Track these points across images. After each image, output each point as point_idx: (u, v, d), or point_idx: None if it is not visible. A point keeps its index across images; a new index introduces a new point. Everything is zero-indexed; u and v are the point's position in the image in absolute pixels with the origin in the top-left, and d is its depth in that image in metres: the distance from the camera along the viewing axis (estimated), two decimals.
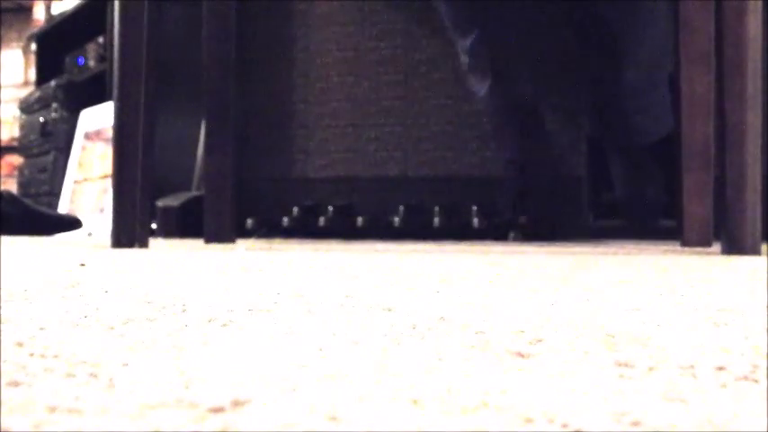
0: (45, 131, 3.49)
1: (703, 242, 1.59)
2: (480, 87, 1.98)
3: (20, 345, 0.38)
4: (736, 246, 1.27)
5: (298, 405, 0.27)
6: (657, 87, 1.83)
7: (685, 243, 1.61)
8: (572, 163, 2.06)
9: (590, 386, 0.30)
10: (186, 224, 2.30)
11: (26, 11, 6.06)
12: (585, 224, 2.07)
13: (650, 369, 0.34)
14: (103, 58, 3.19)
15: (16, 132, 4.35)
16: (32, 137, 3.63)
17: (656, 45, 1.82)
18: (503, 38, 1.98)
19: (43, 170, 3.49)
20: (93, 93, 3.19)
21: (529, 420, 0.25)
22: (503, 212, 2.00)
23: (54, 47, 3.78)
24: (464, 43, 1.96)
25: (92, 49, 3.37)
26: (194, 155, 2.64)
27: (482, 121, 2.12)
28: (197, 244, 1.75)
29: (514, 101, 1.98)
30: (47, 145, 3.48)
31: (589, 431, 0.24)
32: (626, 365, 0.34)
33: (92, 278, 0.78)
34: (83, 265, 0.98)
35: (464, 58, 1.98)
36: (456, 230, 2.04)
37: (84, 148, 3.14)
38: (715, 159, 1.45)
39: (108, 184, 2.64)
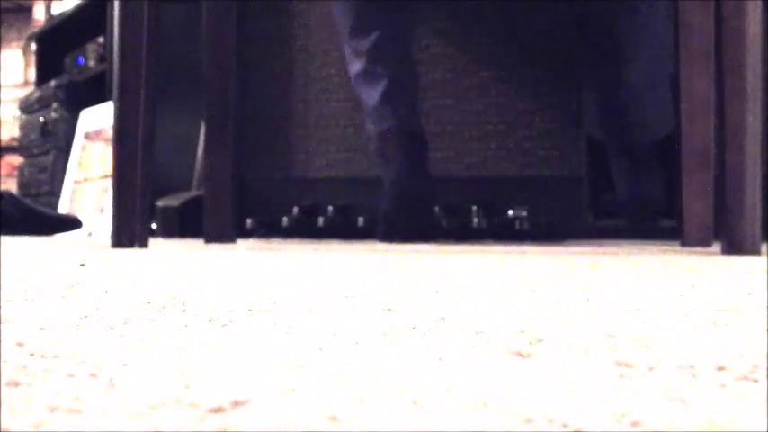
0: (45, 131, 3.49)
1: (703, 242, 1.59)
2: (370, 95, 1.89)
3: (20, 345, 0.38)
4: (736, 246, 1.27)
5: (298, 405, 0.27)
6: (657, 87, 1.83)
7: (685, 243, 1.61)
8: (572, 163, 2.06)
9: (590, 386, 0.30)
10: (186, 224, 2.30)
11: (26, 11, 6.06)
12: (585, 224, 2.07)
13: (650, 369, 0.34)
14: (103, 58, 3.19)
15: (16, 132, 4.35)
16: (32, 137, 3.63)
17: (656, 45, 1.82)
18: (403, 43, 1.90)
19: (43, 170, 3.49)
20: (93, 93, 3.19)
21: (529, 420, 0.25)
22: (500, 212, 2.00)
23: (54, 47, 3.77)
24: (362, 44, 1.88)
25: (92, 49, 3.36)
26: (194, 155, 2.64)
27: (482, 121, 2.12)
28: (197, 244, 1.75)
29: (404, 116, 1.88)
30: (47, 145, 3.48)
31: (589, 431, 0.24)
32: (626, 365, 0.34)
33: (92, 278, 0.78)
34: (83, 265, 0.98)
35: (358, 62, 1.90)
36: (456, 230, 2.04)
37: (84, 148, 3.14)
38: (715, 159, 1.45)
39: (108, 184, 2.64)
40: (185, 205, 2.36)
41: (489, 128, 2.12)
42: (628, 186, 1.93)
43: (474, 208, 2.03)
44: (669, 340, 0.41)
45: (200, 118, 2.19)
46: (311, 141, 2.27)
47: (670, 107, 1.82)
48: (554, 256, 1.25)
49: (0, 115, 6.00)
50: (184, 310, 0.52)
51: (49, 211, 2.58)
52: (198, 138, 2.51)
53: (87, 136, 3.14)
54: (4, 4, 6.27)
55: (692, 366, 0.34)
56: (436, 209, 2.04)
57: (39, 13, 5.07)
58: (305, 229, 2.15)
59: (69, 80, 3.44)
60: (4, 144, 5.97)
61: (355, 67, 1.91)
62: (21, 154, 3.90)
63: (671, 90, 1.79)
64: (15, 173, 4.40)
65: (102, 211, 2.81)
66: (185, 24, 2.55)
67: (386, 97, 1.86)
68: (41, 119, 3.51)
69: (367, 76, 1.88)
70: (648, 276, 0.85)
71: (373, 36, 1.85)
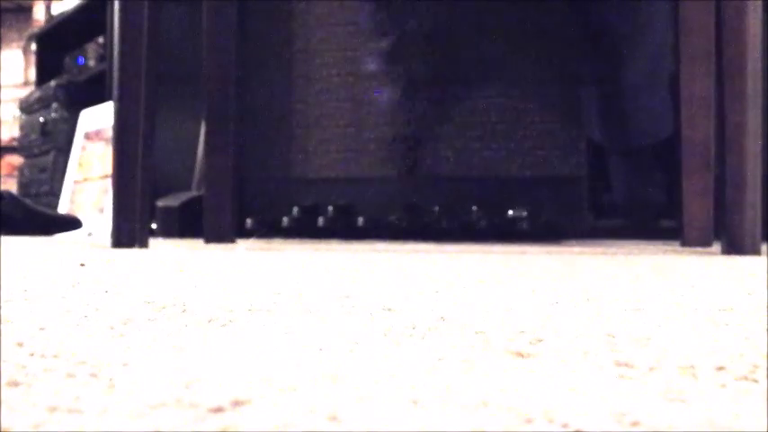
0: (45, 131, 3.49)
1: (703, 242, 1.59)
2: (387, 93, 1.93)
3: (20, 345, 0.38)
4: (736, 246, 1.27)
5: (298, 405, 0.27)
6: (657, 88, 1.83)
7: (685, 243, 1.61)
8: (572, 163, 2.06)
9: (590, 386, 0.30)
10: (186, 224, 2.30)
11: (26, 11, 6.06)
12: (585, 224, 2.07)
13: (650, 369, 0.34)
14: (103, 58, 3.19)
15: (16, 132, 4.35)
16: (32, 137, 3.63)
17: (656, 46, 1.82)
18: (420, 44, 1.94)
19: (43, 170, 3.49)
20: (93, 93, 3.19)
21: (529, 420, 0.25)
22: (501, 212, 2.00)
23: (54, 47, 3.78)
24: (379, 45, 1.91)
25: (92, 49, 3.37)
26: (194, 155, 2.64)
27: (482, 121, 2.12)
28: (197, 244, 1.75)
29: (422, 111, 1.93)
30: (47, 145, 3.48)
31: (589, 431, 0.24)
32: (626, 365, 0.34)
33: (92, 278, 0.78)
34: (83, 265, 0.98)
35: (373, 62, 1.94)
36: (456, 230, 2.04)
37: (84, 148, 3.14)
38: (715, 159, 1.45)
39: (108, 184, 2.64)
40: (185, 205, 2.36)
41: (489, 128, 2.12)
42: (627, 187, 1.93)
43: (474, 208, 2.03)
44: (669, 340, 0.41)
45: (200, 118, 2.19)
46: (311, 141, 2.27)
47: (669, 108, 1.82)
48: (554, 256, 1.25)
49: (0, 115, 6.00)
50: (184, 310, 0.52)
51: (49, 211, 2.58)
52: (198, 138, 2.51)
53: (87, 136, 3.14)
54: (4, 4, 6.27)
55: (692, 366, 0.34)
56: (436, 209, 2.04)
57: (39, 13, 5.07)
58: (305, 229, 2.15)
59: (69, 80, 3.45)
60: (4, 144, 5.97)
61: (371, 66, 1.97)
62: (21, 154, 3.90)
63: (670, 90, 1.79)
64: (15, 173, 4.40)
65: (102, 211, 2.81)
66: (185, 24, 2.55)
67: (405, 97, 1.92)
68: (41, 119, 3.51)
69: (385, 76, 1.95)
70: (648, 276, 0.85)
71: (391, 37, 1.89)
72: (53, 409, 0.26)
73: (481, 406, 0.27)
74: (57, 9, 4.00)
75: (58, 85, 3.42)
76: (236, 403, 0.27)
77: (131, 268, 0.95)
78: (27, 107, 3.75)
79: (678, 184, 1.63)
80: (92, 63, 3.37)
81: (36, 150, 3.60)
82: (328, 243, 1.84)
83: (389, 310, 0.53)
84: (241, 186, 2.14)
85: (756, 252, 1.25)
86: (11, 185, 4.43)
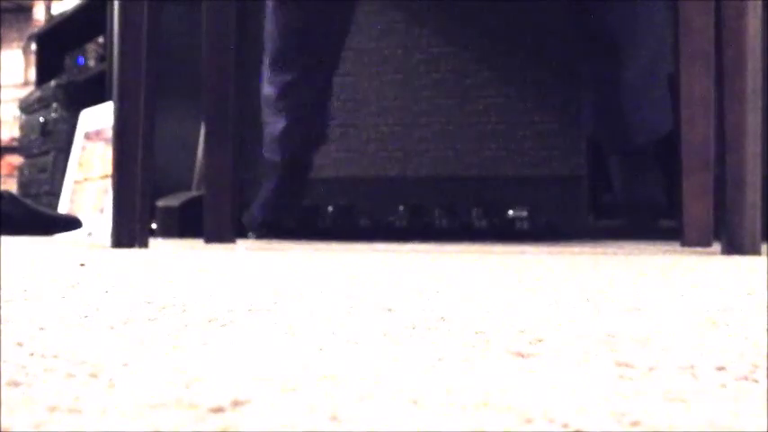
0: (45, 131, 3.49)
1: (703, 242, 1.59)
2: (274, 128, 1.97)
3: (20, 345, 0.38)
4: (736, 246, 1.27)
5: (298, 405, 0.27)
6: (656, 87, 1.83)
7: (685, 243, 1.61)
8: (572, 163, 2.06)
9: (590, 386, 0.30)
10: (186, 224, 2.30)
11: (26, 11, 6.06)
12: (585, 224, 2.07)
13: (650, 369, 0.34)
14: (103, 58, 3.19)
15: (16, 132, 4.35)
16: (32, 137, 3.63)
17: (656, 45, 1.82)
18: (315, 87, 1.96)
19: (43, 170, 3.49)
20: (93, 93, 3.19)
21: (529, 420, 0.25)
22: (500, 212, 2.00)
23: (54, 47, 3.78)
24: (275, 77, 1.95)
25: (92, 49, 3.37)
26: (194, 155, 2.64)
27: (482, 121, 2.12)
28: (197, 244, 1.75)
29: (296, 148, 1.98)
30: (47, 145, 3.48)
31: (589, 431, 0.24)
32: (626, 365, 0.34)
33: (92, 278, 0.78)
34: (83, 265, 0.98)
35: (268, 88, 1.97)
36: (456, 230, 2.04)
37: (84, 148, 3.14)
38: (715, 159, 1.45)
39: (108, 184, 2.64)
40: (185, 205, 2.36)
41: (489, 128, 2.12)
42: (626, 186, 1.93)
43: (474, 208, 2.03)
44: (669, 340, 0.41)
45: (200, 118, 2.19)
46: None
47: (668, 107, 1.82)
48: (554, 256, 1.25)
49: (0, 115, 6.00)
50: (184, 310, 0.52)
51: (49, 211, 2.58)
52: (198, 138, 2.51)
53: (87, 136, 3.14)
54: (4, 4, 6.27)
55: (692, 366, 0.34)
56: (436, 209, 2.04)
57: (39, 13, 5.08)
58: (305, 229, 2.15)
59: (69, 80, 3.45)
60: (4, 144, 5.97)
61: (266, 91, 1.98)
62: (21, 154, 3.90)
63: (669, 90, 1.79)
64: (15, 173, 4.40)
65: (102, 211, 2.81)
66: (185, 24, 2.55)
67: (284, 134, 1.95)
68: (41, 119, 3.51)
69: (274, 106, 1.96)
70: (648, 276, 0.85)
71: (290, 76, 1.92)
72: (53, 409, 0.26)
73: (481, 406, 0.27)
74: (57, 9, 4.00)
75: (57, 85, 3.42)
76: (236, 403, 0.27)
77: (131, 268, 0.95)
78: (27, 107, 3.76)
79: (678, 184, 1.63)
80: (92, 63, 3.37)
81: (36, 150, 3.60)
82: (328, 243, 1.84)
83: (389, 310, 0.53)
84: (241, 186, 2.14)
85: (756, 252, 1.25)
86: (11, 185, 4.43)
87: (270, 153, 1.99)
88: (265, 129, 1.99)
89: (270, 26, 1.95)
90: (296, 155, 1.98)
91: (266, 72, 1.98)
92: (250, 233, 2.10)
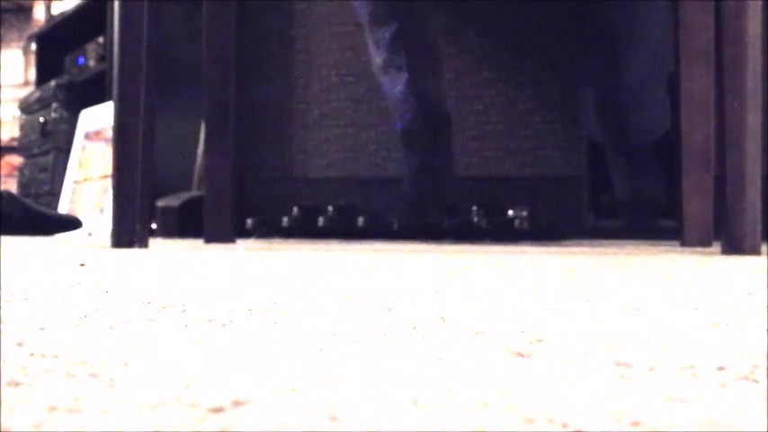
0: (45, 131, 3.49)
1: (703, 242, 1.59)
2: (394, 85, 1.91)
3: (20, 345, 0.38)
4: (736, 246, 1.27)
5: (298, 405, 0.27)
6: (655, 87, 1.83)
7: (685, 243, 1.61)
8: (572, 163, 2.06)
9: (590, 386, 0.30)
10: (186, 224, 2.30)
11: (26, 11, 6.06)
12: (585, 224, 2.07)
13: (650, 369, 0.34)
14: (103, 58, 3.19)
15: (16, 132, 4.35)
16: (32, 137, 3.63)
17: (655, 45, 1.82)
18: (422, 33, 1.92)
19: (43, 170, 3.49)
20: (93, 93, 3.19)
21: (529, 420, 0.25)
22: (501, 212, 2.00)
23: (54, 47, 3.77)
24: (382, 36, 1.90)
25: (92, 49, 3.36)
26: (194, 155, 2.64)
27: (482, 121, 2.12)
28: (197, 244, 1.75)
29: (428, 103, 1.92)
30: (47, 145, 3.48)
31: (589, 431, 0.24)
32: (626, 365, 0.34)
33: (92, 278, 0.78)
34: (83, 265, 0.98)
35: (379, 54, 1.92)
36: (456, 230, 2.04)
37: (84, 148, 3.14)
38: (715, 159, 1.45)
39: (108, 184, 2.64)
40: (185, 205, 2.36)
41: (489, 128, 2.12)
42: (626, 186, 1.93)
43: (474, 208, 2.03)
44: (669, 340, 0.41)
45: (200, 118, 2.19)
46: (311, 141, 2.27)
47: (667, 107, 1.82)
48: (554, 256, 1.25)
49: (0, 115, 6.00)
50: (184, 310, 0.52)
51: (49, 211, 2.58)
52: (198, 138, 2.51)
53: (87, 136, 3.14)
54: (4, 4, 6.27)
55: (692, 366, 0.34)
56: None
57: (39, 13, 5.08)
58: (305, 229, 2.15)
59: (69, 80, 3.44)
60: (4, 144, 5.97)
61: (377, 58, 1.93)
62: (21, 154, 3.90)
63: (668, 89, 1.79)
64: (15, 173, 4.40)
65: (102, 211, 2.81)
66: (185, 24, 2.55)
67: (408, 87, 1.88)
68: (41, 119, 3.51)
69: (388, 67, 1.90)
70: (648, 276, 0.85)
71: (393, 27, 1.87)
72: (53, 409, 0.26)
73: (481, 406, 0.27)
74: (57, 9, 4.00)
75: (57, 85, 3.42)
76: (236, 403, 0.27)
77: (131, 268, 0.95)
78: (27, 107, 3.75)
79: (678, 184, 1.63)
80: (92, 63, 3.37)
81: (36, 150, 3.60)
82: (328, 243, 1.84)
83: (389, 310, 0.53)
84: (241, 186, 2.14)
85: (756, 252, 1.25)
86: (11, 185, 4.43)
87: (401, 117, 1.92)
88: (390, 99, 1.94)
89: None
90: (427, 107, 1.91)
91: (369, 41, 1.94)
92: (257, 234, 2.08)
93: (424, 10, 1.94)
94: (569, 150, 2.07)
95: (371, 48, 1.95)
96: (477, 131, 2.13)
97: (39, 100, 3.60)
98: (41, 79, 3.80)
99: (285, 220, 2.17)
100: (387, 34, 1.88)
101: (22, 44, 6.47)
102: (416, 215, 1.95)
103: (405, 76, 1.88)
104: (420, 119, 1.90)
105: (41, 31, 4.06)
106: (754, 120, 1.27)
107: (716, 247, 1.46)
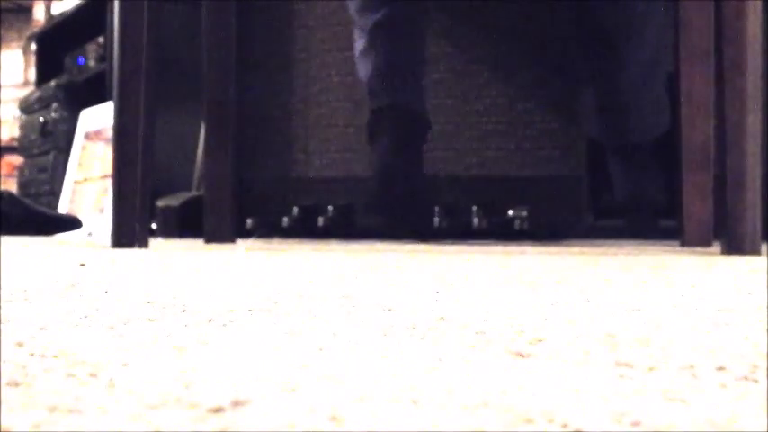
0: (45, 131, 3.49)
1: (703, 242, 1.59)
2: (367, 71, 1.81)
3: (20, 345, 0.38)
4: (736, 246, 1.27)
5: (298, 405, 0.27)
6: (654, 87, 1.83)
7: (685, 243, 1.61)
8: (572, 163, 2.06)
9: (590, 386, 0.30)
10: (186, 224, 2.30)
11: (26, 11, 6.06)
12: (585, 224, 2.07)
13: (650, 369, 0.34)
14: (103, 58, 3.19)
15: (16, 132, 4.35)
16: (32, 137, 3.63)
17: (654, 44, 1.82)
18: (410, 23, 1.83)
19: (43, 170, 3.49)
20: (93, 93, 3.19)
21: (529, 420, 0.25)
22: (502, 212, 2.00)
23: (54, 47, 3.78)
24: (366, 22, 1.82)
25: (92, 49, 3.36)
26: (194, 155, 2.64)
27: (482, 121, 2.12)
28: (197, 244, 1.75)
29: (400, 95, 1.79)
30: (47, 145, 3.48)
31: (589, 431, 0.24)
32: (626, 365, 0.34)
33: (92, 278, 0.78)
34: (83, 265, 0.98)
35: (360, 40, 1.84)
36: (456, 230, 2.04)
37: (84, 148, 3.14)
38: (715, 159, 1.45)
39: (108, 184, 2.64)
40: (185, 205, 2.36)
41: (489, 128, 2.12)
42: (626, 186, 1.93)
43: (474, 208, 2.03)
44: (669, 340, 0.41)
45: (200, 118, 2.19)
46: (311, 141, 2.27)
47: (666, 106, 1.82)
48: (554, 256, 1.25)
49: (0, 115, 6.00)
50: (184, 310, 0.52)
51: (49, 211, 2.58)
52: (198, 138, 2.51)
53: (87, 136, 3.14)
54: (4, 4, 6.28)
55: (692, 366, 0.34)
56: (436, 209, 2.04)
57: (39, 13, 5.08)
58: (305, 229, 2.15)
59: (69, 80, 3.44)
60: (4, 144, 5.97)
61: (358, 45, 1.86)
62: (21, 154, 3.90)
63: (668, 89, 1.79)
64: (15, 173, 4.40)
65: (102, 211, 2.81)
66: (185, 24, 2.55)
67: (380, 73, 1.79)
68: (41, 119, 3.51)
69: (366, 53, 1.83)
70: (648, 276, 0.85)
71: (379, 14, 1.80)
72: (53, 409, 0.26)
73: (481, 406, 0.27)
74: (57, 9, 4.00)
75: (57, 85, 3.42)
76: (236, 403, 0.27)
77: (131, 268, 0.95)
78: (27, 107, 3.75)
79: (678, 184, 1.63)
80: (92, 63, 3.37)
81: (36, 150, 3.60)
82: (328, 243, 1.84)
83: (389, 310, 0.53)
84: (241, 186, 2.14)
85: (756, 252, 1.25)
86: (11, 185, 4.43)
87: (374, 101, 1.80)
88: (366, 84, 1.84)
89: None
90: (402, 98, 1.79)
91: (355, 29, 1.88)
92: (257, 234, 2.06)
93: (416, 4, 1.88)
94: (569, 150, 2.06)
95: (355, 35, 1.88)
96: (477, 131, 2.13)
97: (39, 100, 3.60)
98: (41, 79, 3.80)
99: (285, 220, 2.17)
100: (371, 20, 1.81)
101: (22, 44, 6.47)
102: (384, 216, 1.85)
103: (379, 62, 1.79)
104: (389, 109, 1.78)
105: (41, 31, 4.06)
106: (754, 120, 1.27)
107: (716, 247, 1.46)
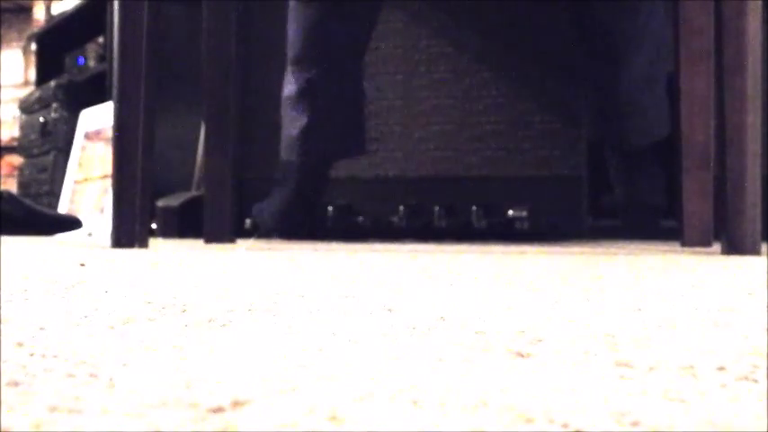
0: (45, 131, 3.49)
1: (703, 242, 1.59)
2: (292, 127, 1.91)
3: (20, 345, 0.38)
4: (736, 246, 1.27)
5: (298, 405, 0.27)
6: (655, 88, 1.83)
7: (685, 243, 1.61)
8: (572, 163, 2.06)
9: (590, 386, 0.30)
10: (186, 224, 2.30)
11: (26, 11, 6.06)
12: (585, 224, 2.07)
13: (650, 369, 0.34)
14: (103, 58, 3.19)
15: (16, 132, 4.35)
16: (32, 137, 3.63)
17: (654, 45, 1.82)
18: (341, 82, 1.89)
19: (43, 170, 3.49)
20: (93, 93, 3.19)
21: (529, 420, 0.25)
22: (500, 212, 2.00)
23: (54, 47, 3.78)
24: (298, 76, 1.89)
25: (92, 49, 3.37)
26: (194, 155, 2.64)
27: (482, 121, 2.12)
28: (197, 244, 1.75)
29: (317, 162, 1.93)
30: (47, 145, 3.48)
31: (589, 431, 0.24)
32: (626, 365, 0.34)
33: (92, 278, 0.78)
34: (83, 265, 0.98)
35: (289, 87, 1.92)
36: (456, 230, 2.04)
37: (84, 148, 3.14)
38: (715, 159, 1.45)
39: (108, 184, 2.64)
40: (185, 205, 2.36)
41: (489, 128, 2.12)
42: (626, 187, 1.93)
43: (474, 208, 2.03)
44: (669, 340, 0.41)
45: (200, 118, 2.19)
46: None
47: (667, 108, 1.82)
48: (554, 256, 1.25)
49: (0, 115, 6.00)
50: (184, 310, 0.52)
51: (49, 211, 2.58)
52: (198, 138, 2.51)
53: (87, 136, 3.14)
54: (4, 4, 6.27)
55: (692, 366, 0.34)
56: (436, 209, 2.04)
57: (39, 13, 5.08)
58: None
59: (69, 80, 3.45)
60: (4, 144, 5.97)
61: (287, 90, 1.92)
62: (21, 154, 3.90)
63: (668, 90, 1.79)
64: (15, 173, 4.40)
65: (102, 211, 2.81)
66: (185, 24, 2.55)
67: (304, 134, 1.88)
68: (41, 119, 3.51)
69: (294, 107, 1.90)
70: (648, 276, 0.85)
71: (312, 73, 1.86)
72: (53, 409, 0.26)
73: (481, 406, 0.27)
74: (57, 9, 4.00)
75: (57, 85, 3.42)
76: (236, 403, 0.27)
77: (131, 268, 0.95)
78: (27, 107, 3.75)
79: (678, 184, 1.63)
80: (92, 63, 3.37)
81: (36, 150, 3.60)
82: (328, 243, 1.84)
83: (389, 310, 0.53)
84: (241, 186, 2.14)
85: (756, 252, 1.25)
86: (11, 185, 4.43)
87: (287, 154, 1.92)
88: (284, 131, 1.93)
89: (292, 24, 1.91)
90: (314, 159, 1.91)
91: (287, 72, 1.93)
92: (256, 234, 2.08)
93: (352, 57, 1.91)
94: (569, 150, 2.06)
95: (286, 77, 1.93)
96: (477, 131, 2.13)
97: (39, 100, 3.60)
98: (41, 79, 3.80)
99: None
100: (303, 76, 1.87)
101: (22, 44, 6.47)
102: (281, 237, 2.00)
103: (304, 120, 1.88)
104: (304, 163, 1.90)
105: (41, 31, 4.06)
106: (754, 120, 1.27)
107: (716, 247, 1.46)
